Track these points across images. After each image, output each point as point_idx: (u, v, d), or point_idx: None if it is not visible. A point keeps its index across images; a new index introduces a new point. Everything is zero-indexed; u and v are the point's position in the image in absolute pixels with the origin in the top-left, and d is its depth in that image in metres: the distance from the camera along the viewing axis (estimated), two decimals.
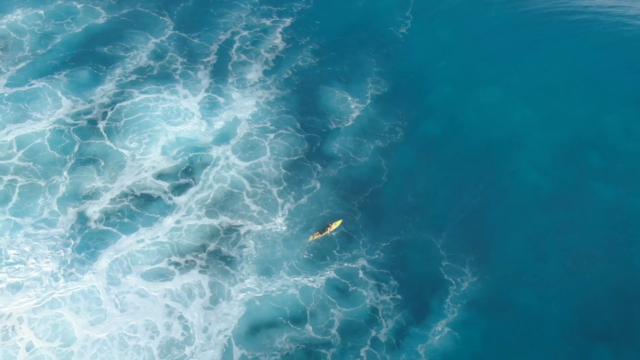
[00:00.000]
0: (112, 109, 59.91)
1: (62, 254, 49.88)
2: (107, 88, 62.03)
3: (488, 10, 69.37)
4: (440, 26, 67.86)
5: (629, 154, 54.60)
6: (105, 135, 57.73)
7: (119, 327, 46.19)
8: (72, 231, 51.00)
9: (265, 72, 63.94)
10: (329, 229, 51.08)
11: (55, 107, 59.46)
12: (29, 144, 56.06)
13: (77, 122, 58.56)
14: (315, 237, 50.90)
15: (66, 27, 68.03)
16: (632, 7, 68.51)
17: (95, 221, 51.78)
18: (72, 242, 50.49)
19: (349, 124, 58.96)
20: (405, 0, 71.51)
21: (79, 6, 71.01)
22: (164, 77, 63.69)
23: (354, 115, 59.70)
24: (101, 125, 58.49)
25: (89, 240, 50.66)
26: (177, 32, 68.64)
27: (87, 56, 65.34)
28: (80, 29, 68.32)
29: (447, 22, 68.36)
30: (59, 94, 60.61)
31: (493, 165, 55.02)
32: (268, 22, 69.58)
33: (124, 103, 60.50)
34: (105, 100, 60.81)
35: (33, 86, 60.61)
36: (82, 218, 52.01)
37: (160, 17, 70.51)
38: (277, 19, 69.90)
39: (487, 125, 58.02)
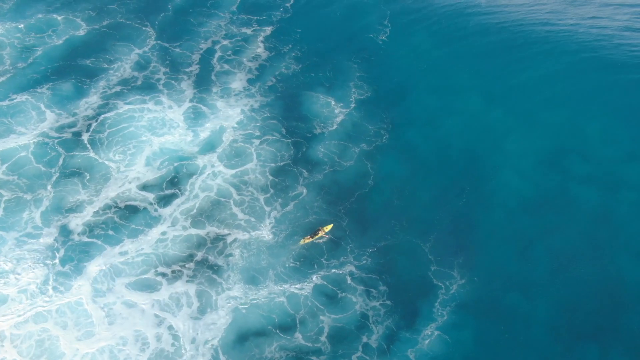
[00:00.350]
0: (96, 121, 60.03)
1: (47, 267, 49.77)
2: (91, 100, 62.16)
3: (466, 18, 69.96)
4: (418, 32, 68.77)
5: (608, 158, 55.19)
6: (90, 148, 57.82)
7: (108, 340, 45.94)
8: (57, 244, 50.91)
9: (249, 81, 64.34)
10: (320, 232, 51.48)
11: (39, 121, 59.59)
12: (12, 158, 55.91)
13: (61, 135, 58.62)
14: (307, 241, 51.26)
15: (47, 39, 68.23)
16: (612, 17, 69.38)
17: (79, 234, 51.73)
18: (57, 255, 50.42)
19: (334, 128, 59.47)
20: (383, 9, 72.58)
21: (59, 18, 71.26)
22: (148, 88, 63.93)
23: (339, 119, 60.17)
24: (85, 137, 58.60)
25: (73, 253, 50.56)
26: (159, 42, 69.10)
27: (70, 69, 65.53)
28: (61, 41, 68.60)
29: (424, 29, 69.35)
30: (42, 107, 60.72)
31: (477, 169, 55.40)
32: (249, 31, 70.21)
33: (108, 114, 60.62)
34: (89, 112, 60.96)
35: (15, 100, 60.62)
36: (66, 231, 51.95)
37: (142, 28, 71.01)
38: (258, 27, 70.56)
39: (469, 130, 58.50)
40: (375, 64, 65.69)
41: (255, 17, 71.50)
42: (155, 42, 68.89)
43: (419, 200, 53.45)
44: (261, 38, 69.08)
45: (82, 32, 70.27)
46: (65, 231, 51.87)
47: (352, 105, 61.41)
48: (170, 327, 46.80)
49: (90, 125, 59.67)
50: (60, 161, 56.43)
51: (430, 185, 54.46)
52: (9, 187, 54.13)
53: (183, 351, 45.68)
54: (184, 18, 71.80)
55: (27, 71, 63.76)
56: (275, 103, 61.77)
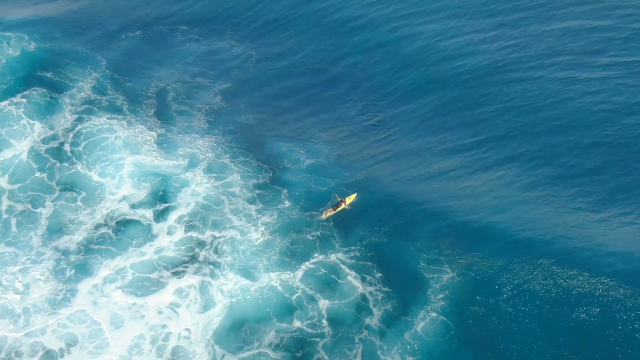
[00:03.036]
0: (76, 137, 63.09)
1: (50, 282, 52.17)
2: (64, 115, 65.41)
3: None
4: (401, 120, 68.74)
5: None
6: (76, 163, 61.11)
7: (120, 347, 48.49)
8: (53, 260, 53.65)
9: (209, 122, 66.97)
10: (342, 204, 55.26)
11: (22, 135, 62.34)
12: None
13: (41, 148, 62.02)
14: (329, 213, 55.14)
15: (5, 50, 70.34)
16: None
17: (75, 250, 54.58)
18: (55, 270, 53.07)
19: (304, 166, 62.04)
20: (358, 80, 71.79)
21: (9, 33, 73.81)
22: (115, 110, 67.07)
23: (308, 161, 62.45)
24: (68, 150, 61.84)
25: (71, 268, 53.23)
26: (109, 71, 72.18)
27: (35, 80, 68.34)
28: (18, 52, 71.15)
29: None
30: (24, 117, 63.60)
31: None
32: (204, 81, 72.66)
33: (85, 130, 63.75)
34: (67, 126, 64.20)
35: None
36: (61, 248, 54.76)
37: (93, 55, 74.17)
38: (212, 80, 72.76)
39: None
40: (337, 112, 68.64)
41: (210, 72, 73.93)
42: (107, 71, 72.05)
43: (404, 202, 57.38)
44: (216, 89, 71.43)
45: (32, 47, 72.67)
46: (61, 248, 54.70)
47: (322, 157, 62.96)
48: (174, 328, 49.87)
49: (73, 141, 62.74)
50: (47, 178, 59.89)
51: (415, 192, 58.48)
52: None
53: (191, 346, 48.54)
54: (133, 59, 75.14)
55: None
56: (241, 141, 64.90)
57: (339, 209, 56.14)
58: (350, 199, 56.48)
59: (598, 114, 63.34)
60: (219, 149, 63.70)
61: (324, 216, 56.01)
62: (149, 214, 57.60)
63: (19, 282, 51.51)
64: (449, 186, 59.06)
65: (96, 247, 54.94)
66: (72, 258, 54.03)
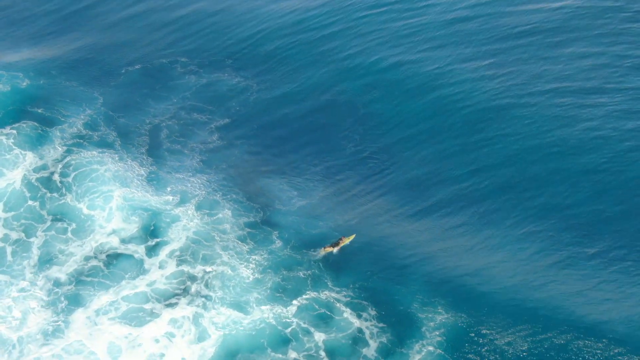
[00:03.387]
0: (66, 170, 63.32)
1: (41, 312, 52.06)
2: (54, 148, 65.65)
3: None
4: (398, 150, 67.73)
5: None
6: (66, 196, 61.26)
7: None
8: (47, 290, 53.71)
9: (203, 161, 66.68)
10: (341, 242, 55.50)
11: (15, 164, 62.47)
12: None
13: (32, 177, 62.22)
14: (327, 250, 55.33)
15: None
16: None
17: (67, 281, 54.63)
18: (49, 300, 53.07)
19: (295, 208, 61.74)
20: (356, 117, 71.14)
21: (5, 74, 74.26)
22: (106, 146, 67.20)
23: (299, 203, 62.15)
24: (60, 185, 62.03)
25: (65, 299, 53.28)
26: (104, 108, 72.41)
27: (25, 114, 68.89)
28: (7, 88, 71.48)
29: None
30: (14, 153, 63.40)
31: None
32: (200, 118, 72.54)
33: (75, 163, 63.98)
34: (56, 156, 64.49)
35: None
36: (53, 278, 54.79)
37: (88, 92, 74.48)
38: (210, 116, 72.55)
39: None
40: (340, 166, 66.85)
41: (209, 107, 73.79)
42: (102, 108, 72.32)
43: (394, 244, 57.28)
44: (212, 126, 71.27)
45: (24, 84, 73.15)
46: (53, 278, 54.77)
47: (316, 198, 62.63)
48: (173, 354, 49.55)
49: (62, 171, 62.91)
50: (37, 209, 60.16)
51: (405, 240, 58.08)
52: None
53: None
54: (130, 95, 75.29)
55: None
56: (234, 179, 64.78)
57: (337, 247, 56.31)
58: (350, 239, 56.75)
59: (595, 140, 63.45)
60: (211, 186, 63.57)
61: (322, 252, 56.17)
62: (140, 249, 57.39)
63: (14, 310, 51.43)
64: (444, 224, 58.84)
65: (88, 279, 54.72)
66: (65, 289, 53.88)
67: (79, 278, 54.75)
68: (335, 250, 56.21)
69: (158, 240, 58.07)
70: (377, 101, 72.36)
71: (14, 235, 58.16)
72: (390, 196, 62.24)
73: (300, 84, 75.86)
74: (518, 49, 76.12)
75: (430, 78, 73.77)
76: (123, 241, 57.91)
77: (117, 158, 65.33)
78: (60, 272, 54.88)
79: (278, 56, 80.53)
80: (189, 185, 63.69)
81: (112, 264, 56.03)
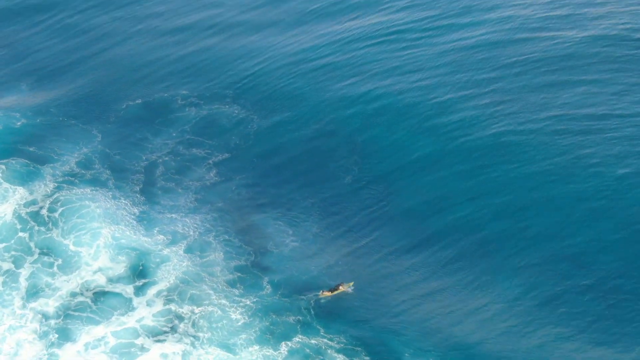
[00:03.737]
0: (54, 205, 63.24)
1: (32, 345, 51.94)
2: (44, 184, 65.59)
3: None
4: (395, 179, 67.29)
5: None
6: (53, 231, 61.01)
7: None
8: (37, 322, 53.40)
9: (197, 200, 66.15)
10: (339, 289, 55.00)
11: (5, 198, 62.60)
12: None
13: (22, 211, 62.20)
14: (325, 294, 54.81)
15: None
16: None
17: (54, 315, 54.19)
18: (39, 333, 52.77)
19: (288, 250, 60.76)
20: (353, 146, 70.68)
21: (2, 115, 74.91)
22: (99, 184, 66.84)
23: (293, 244, 61.09)
24: (47, 219, 61.89)
25: (54, 332, 52.86)
26: (101, 146, 72.18)
27: (16, 152, 69.40)
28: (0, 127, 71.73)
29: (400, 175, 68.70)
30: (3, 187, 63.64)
31: None
32: (198, 153, 71.95)
33: (64, 199, 63.81)
34: (46, 192, 64.40)
35: None
36: (41, 311, 54.39)
37: (85, 130, 74.45)
38: (209, 151, 71.98)
39: None
40: (339, 206, 65.47)
41: (208, 141, 73.14)
42: (99, 146, 72.16)
43: (382, 299, 56.25)
44: (211, 162, 70.57)
45: (19, 124, 73.59)
46: (41, 311, 54.48)
47: (310, 237, 61.88)
48: None
49: (50, 207, 62.88)
50: (23, 245, 59.95)
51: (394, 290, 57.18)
52: None
53: None
54: (129, 130, 75.13)
55: None
56: (228, 219, 63.98)
57: (336, 292, 55.81)
58: (348, 285, 56.29)
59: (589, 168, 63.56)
60: (204, 226, 62.97)
61: (320, 296, 55.69)
62: (128, 288, 56.72)
63: (8, 342, 51.63)
64: (440, 260, 58.25)
65: (76, 313, 54.12)
66: (53, 322, 53.43)
67: (66, 312, 54.20)
68: (331, 295, 55.60)
69: (146, 280, 57.32)
70: (373, 130, 72.32)
71: (5, 266, 58.05)
72: (387, 229, 61.63)
73: (298, 114, 76.01)
74: (515, 77, 76.76)
75: (427, 107, 73.83)
76: (110, 280, 57.19)
77: (110, 196, 64.97)
78: (47, 306, 54.43)
79: (278, 87, 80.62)
80: (181, 225, 63.02)
81: (100, 300, 55.35)
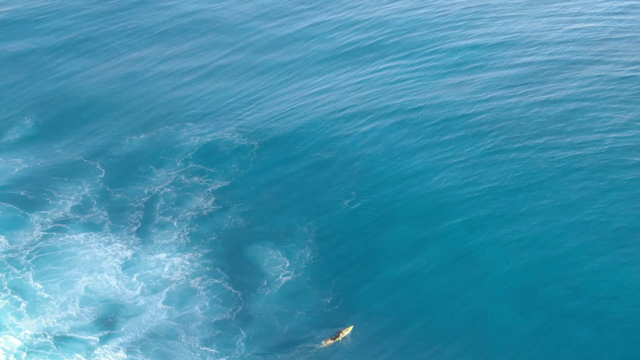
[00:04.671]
0: (35, 252, 61.84)
1: None
2: (29, 232, 64.25)
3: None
4: (391, 201, 66.97)
5: None
6: (27, 273, 59.67)
7: None
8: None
9: (191, 234, 64.22)
10: (341, 334, 53.84)
11: None
12: None
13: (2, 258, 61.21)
14: (328, 342, 53.43)
15: None
16: None
17: (18, 352, 52.73)
18: None
19: (278, 288, 58.36)
20: (351, 172, 70.54)
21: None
22: (89, 228, 65.08)
23: (285, 279, 59.01)
24: (23, 264, 60.55)
25: None
26: (102, 184, 70.92)
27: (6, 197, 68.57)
28: None
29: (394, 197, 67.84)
30: None
31: None
32: (198, 181, 71.01)
33: (47, 246, 62.35)
34: (28, 241, 63.12)
35: None
36: (5, 349, 52.98)
37: (87, 167, 73.44)
38: (209, 179, 71.22)
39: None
40: (334, 231, 64.41)
41: (209, 169, 72.55)
42: (101, 183, 70.97)
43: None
44: (210, 190, 69.68)
45: (16, 170, 73.58)
46: (6, 349, 53.07)
47: (303, 267, 60.23)
48: None
49: (29, 254, 61.67)
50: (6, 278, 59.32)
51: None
52: None
53: None
54: (133, 163, 74.15)
55: None
56: (219, 256, 61.67)
57: (337, 339, 54.11)
58: (348, 330, 54.63)
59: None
60: (192, 268, 60.75)
61: (324, 344, 53.75)
62: (93, 337, 54.27)
63: None
64: (430, 285, 57.80)
65: (40, 350, 52.78)
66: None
67: (30, 350, 52.94)
68: (333, 343, 53.92)
69: (112, 332, 54.79)
70: (371, 156, 72.90)
71: None
72: (377, 261, 60.95)
73: (299, 140, 76.55)
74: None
75: (423, 135, 75.34)
76: (73, 329, 54.92)
77: (104, 241, 63.49)
78: (10, 344, 53.24)
79: (284, 112, 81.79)
80: (167, 268, 60.75)
81: (62, 345, 53.54)
